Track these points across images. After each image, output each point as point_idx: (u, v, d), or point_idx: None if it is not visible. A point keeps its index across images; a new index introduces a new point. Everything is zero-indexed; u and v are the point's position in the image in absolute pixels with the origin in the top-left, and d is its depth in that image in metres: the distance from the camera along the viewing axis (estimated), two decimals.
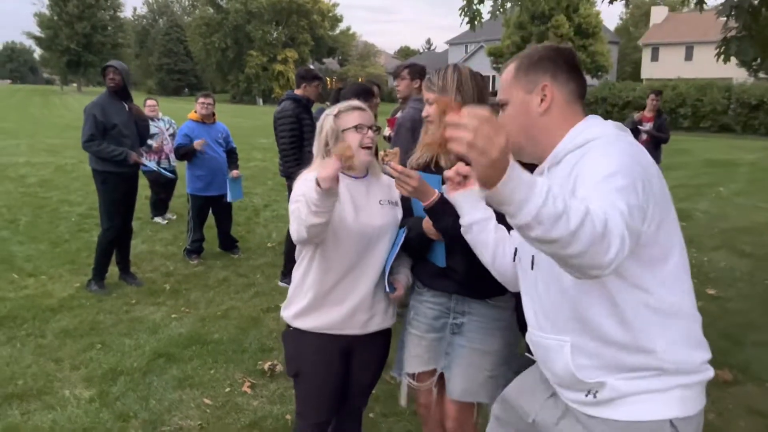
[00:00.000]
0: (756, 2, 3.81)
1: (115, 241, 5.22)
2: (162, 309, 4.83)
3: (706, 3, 4.55)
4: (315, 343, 2.28)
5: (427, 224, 2.13)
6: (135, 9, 79.76)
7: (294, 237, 2.14)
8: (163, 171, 6.04)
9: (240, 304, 4.97)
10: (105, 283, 5.21)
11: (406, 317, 2.44)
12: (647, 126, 8.07)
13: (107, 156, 4.91)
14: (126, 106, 5.11)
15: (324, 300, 2.25)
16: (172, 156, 7.28)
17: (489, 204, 1.27)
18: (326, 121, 2.27)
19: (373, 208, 2.24)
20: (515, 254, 1.81)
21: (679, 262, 1.54)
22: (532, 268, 1.65)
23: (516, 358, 2.32)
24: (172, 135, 7.50)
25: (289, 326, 2.34)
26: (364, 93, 4.28)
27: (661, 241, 1.48)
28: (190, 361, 3.93)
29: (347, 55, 66.17)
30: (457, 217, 1.91)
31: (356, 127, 2.22)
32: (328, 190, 1.91)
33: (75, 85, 61.84)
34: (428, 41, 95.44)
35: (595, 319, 1.51)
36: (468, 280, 2.17)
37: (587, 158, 1.46)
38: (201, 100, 5.98)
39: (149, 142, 6.78)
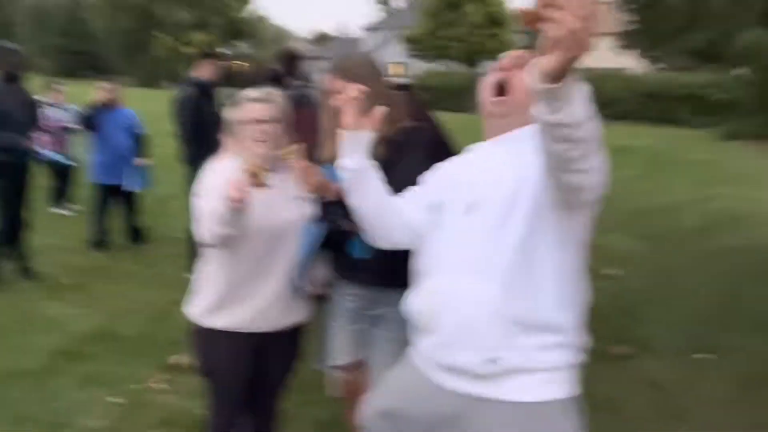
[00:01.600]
0: None
1: (8, 236, 4.89)
2: (65, 305, 4.58)
3: None
4: (225, 342, 2.21)
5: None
6: None
7: (201, 239, 2.07)
8: (60, 159, 5.68)
9: (148, 297, 4.79)
10: (1, 279, 4.88)
11: (330, 310, 2.43)
12: None
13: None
14: (17, 89, 4.78)
15: (233, 297, 2.19)
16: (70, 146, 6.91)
17: (544, 97, 1.22)
18: (228, 111, 2.22)
19: (282, 203, 2.19)
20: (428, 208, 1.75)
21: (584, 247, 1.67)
22: (466, 214, 1.60)
23: None
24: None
25: (197, 324, 2.27)
26: (272, 80, 4.20)
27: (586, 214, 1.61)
28: (96, 359, 3.75)
29: (260, 39, 64.65)
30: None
31: (255, 121, 2.15)
32: (238, 209, 1.88)
33: None
34: (341, 26, 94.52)
35: (536, 278, 1.52)
36: (383, 270, 2.17)
37: None
38: (103, 85, 5.68)
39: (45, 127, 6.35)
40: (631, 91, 26.41)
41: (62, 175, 7.28)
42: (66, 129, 6.97)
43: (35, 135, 5.24)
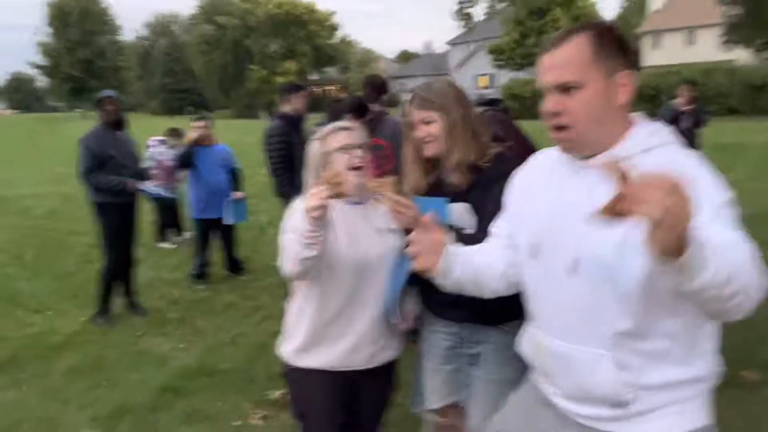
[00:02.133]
0: None
1: (118, 273, 5.15)
2: (169, 339, 4.74)
3: None
4: (318, 383, 2.16)
5: None
6: (136, 32, 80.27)
7: (285, 271, 2.03)
8: (163, 193, 5.94)
9: (248, 330, 4.87)
10: (110, 315, 5.13)
11: (420, 348, 2.32)
12: (687, 108, 8.07)
13: (105, 187, 4.84)
14: (122, 135, 5.05)
15: (323, 335, 2.14)
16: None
17: (667, 274, 1.13)
18: (312, 146, 2.17)
19: (370, 236, 2.12)
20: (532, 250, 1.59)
21: None
22: (574, 272, 1.44)
23: None
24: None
25: (289, 365, 2.23)
26: (356, 109, 4.17)
27: None
28: (198, 394, 3.83)
29: (347, 63, 66.19)
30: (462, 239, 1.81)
31: (343, 149, 2.11)
32: (318, 220, 1.81)
33: (80, 111, 62.29)
34: (428, 43, 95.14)
35: (650, 333, 1.39)
36: (479, 306, 2.03)
37: (694, 175, 1.28)
38: (193, 124, 5.90)
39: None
40: (740, 84, 24.71)
41: (167, 210, 7.63)
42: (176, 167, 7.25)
43: (150, 171, 5.50)
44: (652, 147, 1.41)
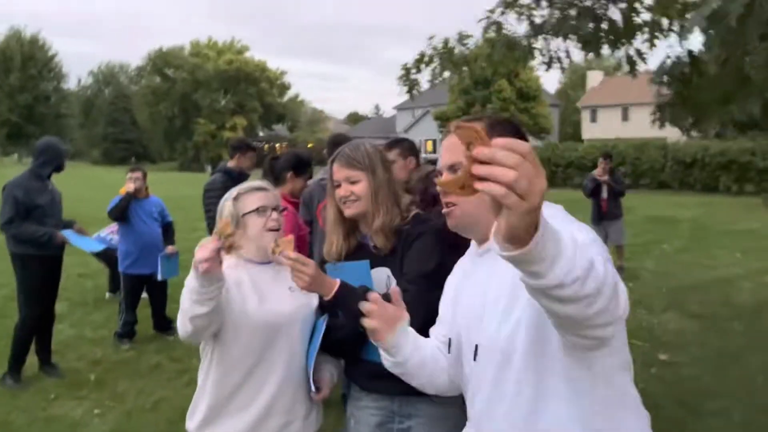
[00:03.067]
0: (686, 71, 3.87)
1: (34, 330, 4.81)
2: (84, 404, 4.41)
3: (638, 69, 4.62)
4: None
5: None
6: (79, 80, 79.06)
7: (179, 332, 1.90)
8: (87, 248, 5.58)
9: (171, 394, 4.59)
10: (22, 376, 4.76)
11: (346, 425, 2.18)
12: (605, 177, 8.58)
13: (29, 237, 4.56)
14: (49, 185, 4.82)
15: (227, 406, 1.99)
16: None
17: (514, 263, 1.00)
18: (225, 205, 2.08)
19: (281, 294, 2.01)
20: (449, 344, 1.58)
21: (628, 355, 1.40)
22: (475, 358, 1.45)
23: None
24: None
25: None
26: (296, 165, 4.09)
27: (620, 329, 1.33)
28: None
29: (296, 122, 66.80)
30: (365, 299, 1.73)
31: (257, 210, 2.04)
32: (208, 274, 1.70)
33: (16, 156, 60.34)
34: (377, 107, 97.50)
35: (559, 418, 1.32)
36: None
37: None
38: (129, 174, 5.70)
39: None
40: (672, 159, 26.01)
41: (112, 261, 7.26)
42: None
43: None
44: None
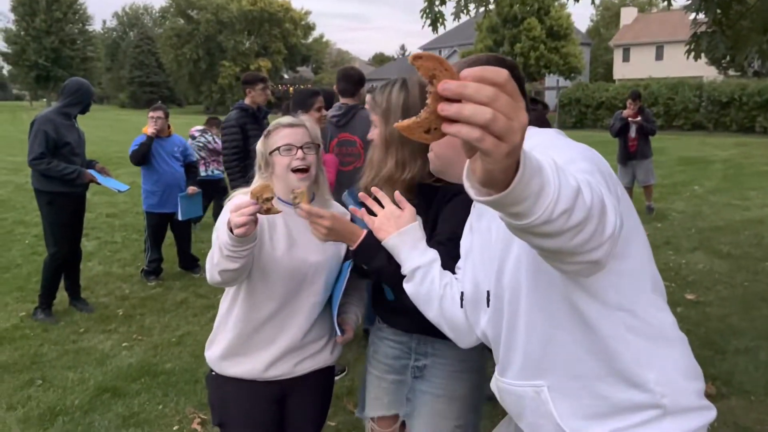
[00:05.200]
0: None
1: (63, 266, 4.90)
2: (112, 337, 4.52)
3: (674, 1, 4.38)
4: (238, 393, 2.00)
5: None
6: (104, 22, 78.57)
7: (208, 278, 1.87)
8: (113, 186, 5.60)
9: (197, 329, 4.68)
10: (53, 310, 4.89)
11: (367, 352, 2.18)
12: (639, 119, 8.28)
13: (57, 174, 4.58)
14: (75, 124, 4.82)
15: (249, 342, 1.99)
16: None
17: (492, 207, 0.90)
18: (258, 143, 2.02)
19: (310, 241, 1.92)
20: (461, 297, 1.51)
21: (655, 277, 1.31)
22: (488, 305, 1.39)
23: (483, 402, 2.08)
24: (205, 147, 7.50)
25: (212, 370, 2.07)
26: (304, 100, 3.98)
27: (633, 252, 1.24)
28: (138, 396, 3.63)
29: (321, 63, 65.95)
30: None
31: (283, 148, 1.94)
32: (242, 236, 1.65)
33: (45, 100, 60.74)
34: (402, 47, 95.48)
35: (572, 353, 1.26)
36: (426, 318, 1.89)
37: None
38: (150, 114, 5.67)
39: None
40: (707, 100, 25.19)
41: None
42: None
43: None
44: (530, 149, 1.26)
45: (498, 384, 1.46)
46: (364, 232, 1.78)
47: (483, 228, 1.42)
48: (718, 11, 3.53)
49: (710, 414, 1.31)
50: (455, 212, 1.75)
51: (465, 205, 1.69)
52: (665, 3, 4.54)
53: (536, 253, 1.12)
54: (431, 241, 1.76)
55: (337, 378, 3.76)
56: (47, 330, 4.63)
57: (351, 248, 1.79)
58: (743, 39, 3.67)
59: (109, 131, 24.16)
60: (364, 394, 2.15)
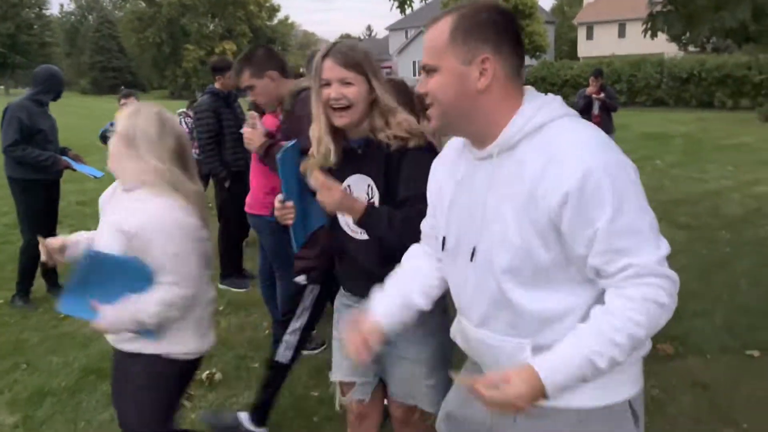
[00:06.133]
0: None
1: (38, 254, 4.92)
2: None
3: None
4: None
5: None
6: (62, 6, 76.47)
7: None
8: (88, 172, 5.63)
9: None
10: (31, 297, 4.93)
11: (333, 320, 2.29)
12: (602, 96, 8.53)
13: (32, 161, 4.60)
14: (48, 111, 4.83)
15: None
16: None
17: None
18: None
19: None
20: (443, 244, 1.57)
21: None
22: (471, 259, 1.46)
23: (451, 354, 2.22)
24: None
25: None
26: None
27: None
28: None
29: (287, 45, 65.27)
30: (389, 218, 1.81)
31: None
32: None
33: (2, 87, 59.16)
34: (369, 28, 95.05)
35: (559, 314, 1.40)
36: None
37: (568, 173, 1.28)
38: (122, 101, 5.72)
39: None
40: (668, 76, 25.71)
41: None
42: None
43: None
44: (542, 124, 1.37)
45: (470, 333, 1.55)
46: (365, 204, 1.86)
47: (479, 186, 1.45)
48: None
49: (648, 346, 1.51)
50: (419, 170, 1.78)
51: (425, 161, 1.76)
52: None
53: (537, 242, 1.35)
54: (405, 200, 1.85)
55: (316, 351, 3.91)
56: (26, 317, 4.67)
57: (355, 220, 1.86)
58: (697, 17, 3.86)
59: (76, 118, 23.72)
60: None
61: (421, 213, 1.74)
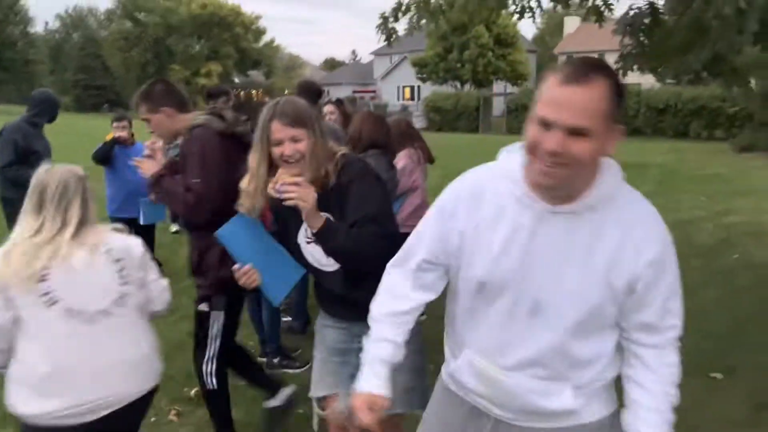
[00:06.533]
0: (648, 21, 4.09)
1: None
2: None
3: (604, 19, 4.83)
4: None
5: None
6: (46, 23, 76.45)
7: None
8: None
9: (165, 329, 4.84)
10: None
11: (314, 340, 2.43)
12: None
13: (27, 181, 4.70)
14: (42, 133, 4.98)
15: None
16: None
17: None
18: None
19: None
20: (479, 288, 1.58)
21: None
22: (533, 312, 1.51)
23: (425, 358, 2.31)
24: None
25: None
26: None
27: None
28: None
29: (273, 68, 65.71)
30: (346, 231, 1.98)
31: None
32: None
33: None
34: (353, 52, 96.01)
35: (597, 355, 1.57)
36: (367, 305, 2.09)
37: (653, 241, 1.50)
38: (115, 124, 5.85)
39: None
40: (645, 106, 26.37)
41: None
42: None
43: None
44: (618, 188, 1.51)
45: (495, 375, 1.58)
46: (326, 216, 2.04)
47: (553, 239, 1.49)
48: (641, 36, 3.99)
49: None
50: (368, 195, 2.06)
51: (372, 186, 2.08)
52: (596, 21, 5.00)
53: (607, 299, 1.50)
54: (354, 222, 2.02)
55: (301, 370, 4.05)
56: None
57: (315, 230, 2.03)
58: (665, 59, 4.13)
59: (65, 138, 23.64)
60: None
61: (374, 233, 1.98)
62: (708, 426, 3.37)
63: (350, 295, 2.07)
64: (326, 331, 2.33)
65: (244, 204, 2.14)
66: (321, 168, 2.08)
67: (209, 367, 2.99)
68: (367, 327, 2.13)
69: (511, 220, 1.52)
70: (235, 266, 2.13)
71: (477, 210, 1.57)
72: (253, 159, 2.11)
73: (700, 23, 3.45)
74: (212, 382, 3.00)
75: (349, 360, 2.22)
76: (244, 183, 2.14)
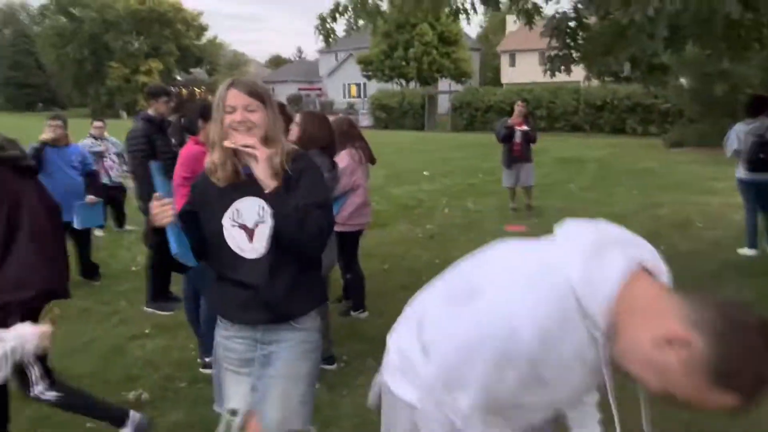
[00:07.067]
0: (573, 25, 4.29)
1: None
2: None
3: (535, 22, 5.02)
4: None
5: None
6: None
7: None
8: None
9: (103, 334, 4.81)
10: None
11: (215, 353, 2.35)
12: (525, 128, 9.16)
13: None
14: None
15: None
16: (112, 172, 7.86)
17: None
18: None
19: None
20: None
21: None
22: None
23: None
24: (118, 154, 7.84)
25: None
26: (208, 111, 4.26)
27: None
28: None
29: (216, 65, 64.60)
30: (296, 204, 2.03)
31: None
32: None
33: None
34: (299, 49, 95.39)
35: None
36: (270, 307, 2.13)
37: None
38: (49, 122, 5.71)
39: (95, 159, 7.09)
40: (584, 103, 27.15)
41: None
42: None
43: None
44: None
45: None
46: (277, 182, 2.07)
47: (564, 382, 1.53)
48: (567, 39, 4.18)
49: None
50: (318, 184, 2.17)
51: (321, 178, 2.24)
52: (526, 23, 5.19)
53: None
54: (308, 204, 2.06)
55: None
56: None
57: (268, 191, 2.04)
58: (588, 60, 4.33)
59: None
60: (220, 390, 2.31)
61: (319, 216, 2.06)
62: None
63: (264, 292, 2.08)
64: (230, 342, 2.25)
65: (218, 176, 2.13)
66: (272, 147, 2.08)
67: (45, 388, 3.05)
68: (271, 329, 2.17)
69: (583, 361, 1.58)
70: (156, 195, 2.04)
71: (569, 345, 1.51)
72: (214, 131, 2.12)
73: (620, 28, 3.64)
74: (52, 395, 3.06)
75: (252, 371, 2.22)
76: (213, 157, 2.13)
